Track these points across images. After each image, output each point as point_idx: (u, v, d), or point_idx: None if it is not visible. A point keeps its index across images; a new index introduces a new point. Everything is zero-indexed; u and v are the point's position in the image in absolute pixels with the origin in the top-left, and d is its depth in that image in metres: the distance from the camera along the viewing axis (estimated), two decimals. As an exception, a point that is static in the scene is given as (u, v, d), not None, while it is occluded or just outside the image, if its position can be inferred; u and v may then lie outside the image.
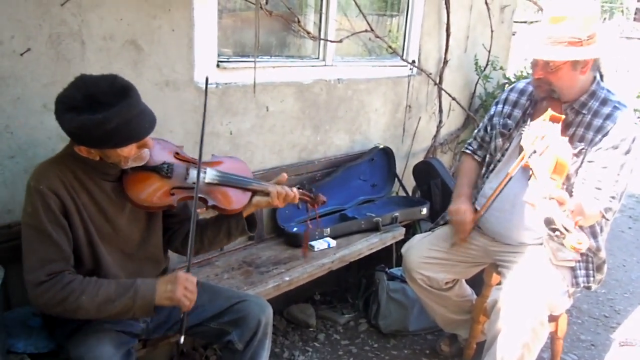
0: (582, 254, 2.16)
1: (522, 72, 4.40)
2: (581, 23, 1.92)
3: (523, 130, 2.20)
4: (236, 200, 1.83)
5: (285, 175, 1.92)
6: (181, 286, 1.61)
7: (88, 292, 1.54)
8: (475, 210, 2.35)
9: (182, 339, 1.66)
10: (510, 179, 2.09)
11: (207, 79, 1.76)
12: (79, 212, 1.60)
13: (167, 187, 1.72)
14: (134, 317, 1.66)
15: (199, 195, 1.73)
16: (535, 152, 2.01)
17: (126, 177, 1.68)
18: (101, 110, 1.45)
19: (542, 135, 2.02)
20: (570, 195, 2.05)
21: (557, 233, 1.70)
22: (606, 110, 2.06)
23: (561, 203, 1.74)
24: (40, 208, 1.52)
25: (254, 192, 1.86)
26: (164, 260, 1.95)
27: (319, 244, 2.68)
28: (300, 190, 1.95)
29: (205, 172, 1.79)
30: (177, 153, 1.81)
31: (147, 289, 1.60)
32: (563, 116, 2.04)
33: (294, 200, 1.90)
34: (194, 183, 1.73)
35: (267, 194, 1.85)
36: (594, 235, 2.17)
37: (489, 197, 2.21)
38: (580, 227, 2.10)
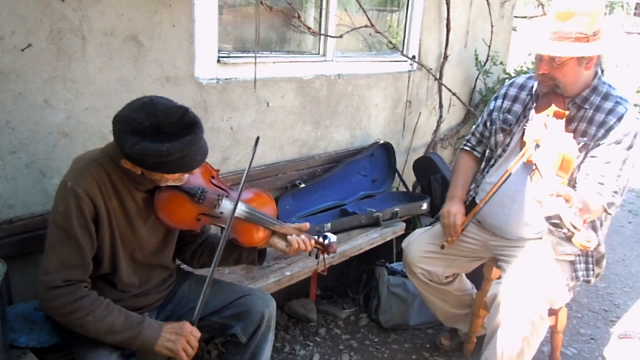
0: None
1: (522, 67, 4.40)
2: (588, 19, 1.92)
3: (525, 126, 2.20)
4: (256, 237, 1.86)
5: (307, 225, 1.93)
6: (183, 340, 1.62)
7: (96, 315, 1.54)
8: (472, 206, 2.34)
9: None
10: (510, 175, 2.09)
11: (255, 144, 1.71)
12: (108, 218, 1.61)
13: (196, 212, 1.74)
14: (126, 347, 1.64)
15: (222, 225, 1.74)
16: (538, 146, 2.01)
17: (159, 193, 1.69)
18: (164, 141, 1.45)
19: (545, 130, 2.02)
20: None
21: (565, 230, 1.70)
22: (608, 105, 2.07)
23: (568, 200, 1.74)
24: (74, 211, 1.52)
25: (274, 233, 1.89)
26: (172, 267, 1.96)
27: (320, 240, 2.68)
28: (315, 239, 1.96)
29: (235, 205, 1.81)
30: (212, 177, 1.83)
31: (151, 334, 1.60)
32: (567, 112, 2.04)
33: (307, 249, 1.91)
34: (221, 213, 1.76)
35: (285, 238, 1.87)
36: (593, 229, 2.17)
37: (487, 193, 2.21)
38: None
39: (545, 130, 2.03)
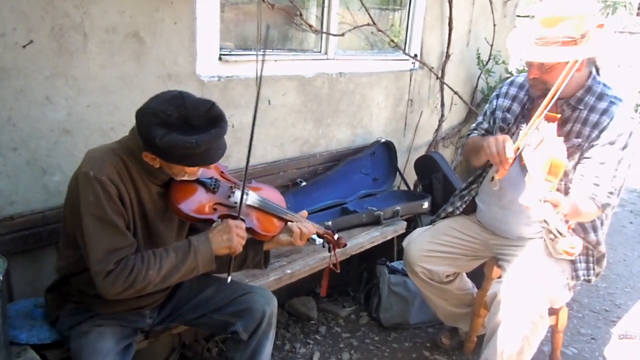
0: (582, 247, 2.16)
1: (524, 66, 4.39)
2: (574, 22, 1.89)
3: (521, 128, 2.19)
4: (272, 226, 1.87)
5: (305, 212, 1.96)
6: (235, 234, 1.68)
7: (152, 266, 1.58)
8: (472, 206, 2.32)
9: (229, 279, 1.73)
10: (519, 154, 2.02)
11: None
12: (130, 204, 1.63)
13: (212, 201, 1.76)
14: (196, 274, 1.70)
15: (240, 216, 1.76)
16: (529, 145, 1.99)
17: (174, 185, 1.71)
18: (192, 133, 1.49)
19: (537, 133, 1.99)
20: (568, 192, 2.05)
21: (551, 236, 1.69)
22: (602, 105, 2.06)
23: (555, 205, 1.73)
24: (103, 198, 1.53)
25: (286, 222, 1.90)
26: None
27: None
28: (325, 230, 1.99)
29: (247, 195, 1.83)
30: (222, 172, 1.86)
31: (204, 246, 1.67)
32: (559, 115, 2.02)
33: (311, 233, 1.91)
34: (235, 203, 1.78)
35: (290, 233, 1.87)
36: (594, 229, 2.17)
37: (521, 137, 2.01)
38: (582, 222, 2.12)
39: (536, 134, 2.01)
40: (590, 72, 2.09)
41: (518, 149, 2.03)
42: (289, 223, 1.88)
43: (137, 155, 1.60)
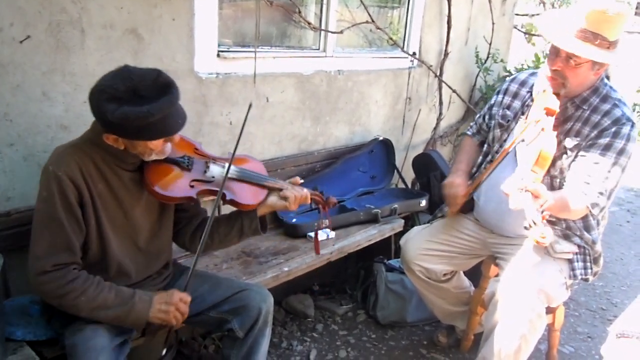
0: (579, 247, 2.17)
1: (522, 65, 4.39)
2: (616, 26, 1.90)
3: (518, 124, 2.19)
4: (253, 195, 1.87)
5: (298, 178, 1.96)
6: (174, 307, 1.67)
7: (88, 293, 1.56)
8: (470, 203, 2.35)
9: (164, 353, 1.74)
10: (507, 153, 2.09)
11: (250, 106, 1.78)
12: (93, 202, 1.61)
13: (187, 179, 1.75)
14: (120, 325, 1.66)
15: (217, 189, 1.75)
16: (523, 140, 2.00)
17: (147, 168, 1.70)
18: (143, 104, 1.47)
19: (534, 126, 2.01)
20: (561, 188, 2.06)
21: (526, 225, 1.70)
22: (605, 107, 2.06)
23: (536, 196, 1.74)
24: (57, 195, 1.53)
25: (270, 190, 1.90)
26: (169, 257, 1.96)
27: (318, 235, 2.68)
28: (312, 192, 1.99)
29: (224, 167, 1.83)
30: (196, 148, 1.85)
31: (143, 305, 1.63)
32: (557, 110, 2.02)
33: (306, 200, 1.92)
34: (213, 177, 1.78)
35: (284, 198, 1.88)
36: (586, 229, 2.17)
37: (481, 174, 2.22)
38: (573, 221, 2.12)
39: (533, 127, 2.02)
40: (600, 76, 2.09)
41: (513, 143, 2.10)
42: (284, 190, 1.88)
43: (99, 143, 1.59)
